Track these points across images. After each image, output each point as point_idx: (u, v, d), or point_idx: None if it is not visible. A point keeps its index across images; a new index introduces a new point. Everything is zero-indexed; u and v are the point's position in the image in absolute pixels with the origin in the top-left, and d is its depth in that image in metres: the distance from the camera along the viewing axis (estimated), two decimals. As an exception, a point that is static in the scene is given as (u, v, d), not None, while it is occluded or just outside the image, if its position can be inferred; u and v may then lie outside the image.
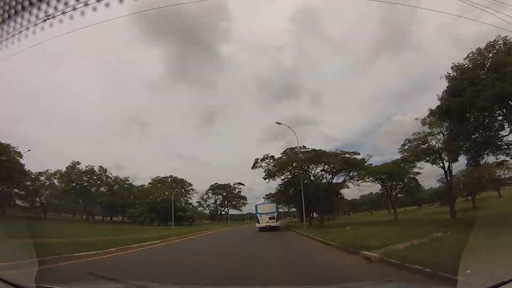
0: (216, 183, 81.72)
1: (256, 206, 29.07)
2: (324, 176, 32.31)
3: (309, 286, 5.37)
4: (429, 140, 22.23)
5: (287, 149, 32.40)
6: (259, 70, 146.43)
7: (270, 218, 26.68)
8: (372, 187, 50.07)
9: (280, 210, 42.22)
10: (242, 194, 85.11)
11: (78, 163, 49.29)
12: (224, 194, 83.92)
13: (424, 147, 23.10)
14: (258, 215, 27.53)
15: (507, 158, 17.15)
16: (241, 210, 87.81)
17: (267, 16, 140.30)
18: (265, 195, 57.94)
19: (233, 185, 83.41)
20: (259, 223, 27.01)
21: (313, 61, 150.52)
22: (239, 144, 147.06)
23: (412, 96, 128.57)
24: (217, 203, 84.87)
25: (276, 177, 31.86)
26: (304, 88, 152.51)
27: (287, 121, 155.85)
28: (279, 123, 28.13)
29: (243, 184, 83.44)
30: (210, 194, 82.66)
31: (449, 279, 3.82)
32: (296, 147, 30.46)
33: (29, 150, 40.44)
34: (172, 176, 66.56)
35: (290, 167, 30.78)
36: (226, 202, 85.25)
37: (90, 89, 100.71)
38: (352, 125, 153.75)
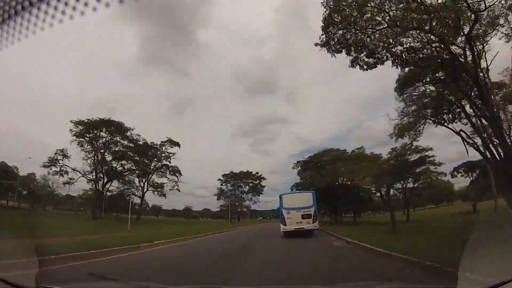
0: (232, 172, 69.78)
1: (280, 197, 17.86)
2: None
3: (309, 286, 5.36)
4: None
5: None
6: (237, 62, 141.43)
7: (304, 216, 16.59)
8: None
9: None
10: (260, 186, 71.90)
11: None
12: (250, 184, 71.45)
13: None
14: (285, 211, 16.91)
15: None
16: (258, 202, 73.99)
17: (252, 3, 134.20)
18: (295, 184, 48.70)
19: (255, 174, 71.04)
20: (285, 224, 16.72)
21: (294, 58, 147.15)
22: (209, 138, 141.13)
23: (384, 103, 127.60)
24: (241, 195, 71.29)
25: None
26: (281, 86, 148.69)
27: (260, 118, 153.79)
28: None
29: (263, 178, 71.00)
30: (226, 185, 69.96)
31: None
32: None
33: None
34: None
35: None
36: (246, 195, 72.40)
37: (53, 68, 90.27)
38: (324, 128, 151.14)
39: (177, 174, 49.38)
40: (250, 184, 72.15)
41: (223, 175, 70.03)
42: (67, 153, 36.17)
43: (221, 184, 69.88)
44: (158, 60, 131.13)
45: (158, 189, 48.11)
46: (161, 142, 46.97)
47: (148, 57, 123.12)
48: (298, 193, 21.92)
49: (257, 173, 72.28)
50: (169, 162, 48.20)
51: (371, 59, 12.59)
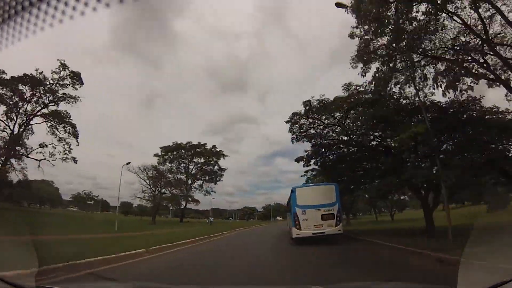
0: (176, 143, 48.08)
1: (293, 191, 13.60)
2: None
3: (309, 286, 5.37)
4: None
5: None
6: (211, 57, 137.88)
7: (324, 217, 12.60)
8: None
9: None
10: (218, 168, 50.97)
11: None
12: (204, 165, 50.37)
13: None
14: (299, 211, 12.90)
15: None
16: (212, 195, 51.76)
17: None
18: (306, 172, 28.13)
19: (212, 149, 49.82)
20: (299, 227, 12.66)
21: (269, 58, 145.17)
22: (179, 134, 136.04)
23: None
24: (186, 180, 47.99)
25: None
26: (253, 85, 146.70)
27: (229, 116, 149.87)
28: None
29: (222, 155, 50.09)
30: (164, 165, 47.19)
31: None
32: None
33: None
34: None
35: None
36: (196, 181, 49.67)
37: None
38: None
39: (71, 133, 30.50)
40: (204, 167, 50.52)
41: (161, 148, 48.04)
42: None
43: (159, 163, 45.69)
44: (130, 49, 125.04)
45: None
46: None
47: (120, 44, 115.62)
48: (316, 186, 15.73)
49: (214, 147, 50.09)
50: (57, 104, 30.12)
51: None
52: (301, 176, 30.10)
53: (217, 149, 51.03)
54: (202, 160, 50.70)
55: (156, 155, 48.20)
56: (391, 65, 13.47)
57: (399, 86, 14.18)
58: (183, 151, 49.65)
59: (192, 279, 5.82)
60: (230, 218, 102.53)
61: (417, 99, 13.09)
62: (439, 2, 11.15)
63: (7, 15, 1.60)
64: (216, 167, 51.63)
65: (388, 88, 14.22)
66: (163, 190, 41.91)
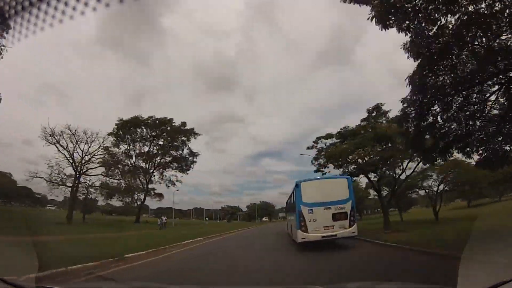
0: (136, 116, 37.70)
1: (298, 186, 11.45)
2: None
3: (309, 286, 5.37)
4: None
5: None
6: (199, 54, 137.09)
7: (336, 217, 10.69)
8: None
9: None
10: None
11: None
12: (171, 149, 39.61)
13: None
14: (305, 209, 10.89)
15: None
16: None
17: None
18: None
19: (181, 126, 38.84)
20: (305, 230, 10.61)
21: (258, 56, 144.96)
22: None
23: (342, 114, 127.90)
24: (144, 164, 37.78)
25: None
26: (241, 84, 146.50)
27: (216, 115, 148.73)
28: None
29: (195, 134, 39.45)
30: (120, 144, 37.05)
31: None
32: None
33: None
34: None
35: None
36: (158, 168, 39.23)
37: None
38: (280, 132, 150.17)
39: None
40: (172, 152, 39.11)
41: (117, 124, 36.68)
42: None
43: (114, 143, 35.31)
44: (118, 44, 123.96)
45: None
46: None
47: (107, 38, 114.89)
48: (326, 179, 13.47)
49: (183, 124, 38.65)
50: None
51: None
52: (312, 164, 21.70)
53: (187, 127, 37.94)
54: (166, 141, 38.09)
55: (110, 133, 35.16)
56: None
57: None
58: (144, 129, 37.93)
59: None
60: (207, 219, 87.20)
61: None
62: None
63: (7, 15, 1.60)
64: (185, 150, 39.69)
65: None
66: (116, 180, 29.99)
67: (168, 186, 41.15)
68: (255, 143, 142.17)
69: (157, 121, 38.48)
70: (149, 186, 39.77)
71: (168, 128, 38.97)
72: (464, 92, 8.75)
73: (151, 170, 39.69)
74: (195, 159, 41.73)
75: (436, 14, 7.10)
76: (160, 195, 43.27)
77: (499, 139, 8.88)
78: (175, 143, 40.22)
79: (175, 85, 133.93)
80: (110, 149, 31.83)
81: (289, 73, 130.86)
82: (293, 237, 12.44)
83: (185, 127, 39.66)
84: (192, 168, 41.87)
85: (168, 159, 40.96)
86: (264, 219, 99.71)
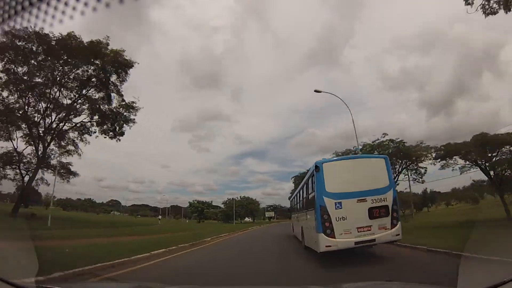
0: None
1: (318, 167, 7.70)
2: None
3: (309, 286, 5.37)
4: None
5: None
6: (186, 50, 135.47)
7: (373, 213, 7.31)
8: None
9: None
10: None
11: None
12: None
13: None
14: (330, 202, 7.29)
15: None
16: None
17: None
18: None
19: None
20: (330, 232, 7.10)
21: (246, 54, 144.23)
22: (149, 130, 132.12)
23: (328, 115, 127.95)
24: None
25: None
26: (228, 81, 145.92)
27: (201, 113, 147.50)
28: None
29: None
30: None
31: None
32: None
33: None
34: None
35: None
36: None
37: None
38: (265, 131, 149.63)
39: None
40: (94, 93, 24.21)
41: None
42: None
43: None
44: (102, 34, 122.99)
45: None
46: None
47: (91, 29, 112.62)
48: (357, 158, 9.93)
49: (116, 52, 22.66)
50: None
51: None
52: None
53: (125, 56, 23.08)
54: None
55: None
56: None
57: None
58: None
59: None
60: (160, 217, 62.69)
61: None
62: None
63: (7, 15, 1.60)
64: (115, 100, 24.70)
65: None
66: None
67: (69, 154, 26.72)
68: (239, 143, 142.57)
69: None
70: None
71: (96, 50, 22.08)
72: None
73: (48, 122, 23.42)
74: (132, 116, 25.41)
75: None
76: (67, 170, 27.40)
77: None
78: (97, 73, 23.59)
79: (160, 80, 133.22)
80: None
81: (276, 72, 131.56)
82: (307, 243, 9.39)
83: (123, 57, 23.33)
84: (129, 128, 25.73)
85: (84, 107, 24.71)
86: (247, 219, 79.80)
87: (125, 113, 25.63)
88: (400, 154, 23.38)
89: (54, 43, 21.37)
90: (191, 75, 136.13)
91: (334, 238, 7.08)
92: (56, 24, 1.58)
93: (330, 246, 7.06)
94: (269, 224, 50.84)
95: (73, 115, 25.51)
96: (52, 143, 25.26)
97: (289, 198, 17.76)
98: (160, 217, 63.14)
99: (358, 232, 7.19)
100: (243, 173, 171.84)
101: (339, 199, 7.36)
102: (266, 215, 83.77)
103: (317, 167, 7.78)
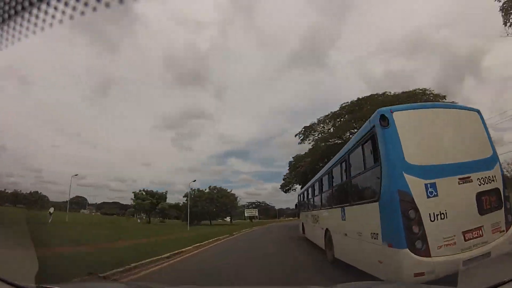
0: None
1: (385, 121, 4.11)
2: None
3: (309, 286, 5.37)
4: None
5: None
6: (171, 45, 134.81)
7: (482, 202, 3.87)
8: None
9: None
10: None
11: None
12: None
13: None
14: (416, 183, 3.76)
15: None
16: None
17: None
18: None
19: None
20: (422, 245, 3.53)
21: (231, 52, 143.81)
22: (131, 127, 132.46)
23: (310, 117, 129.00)
24: None
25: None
26: (212, 80, 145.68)
27: (184, 110, 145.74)
28: None
29: None
30: None
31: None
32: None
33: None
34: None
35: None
36: None
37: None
38: (248, 131, 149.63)
39: None
40: None
41: None
42: None
43: None
44: (84, 27, 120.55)
45: None
46: None
47: (69, 18, 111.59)
48: (440, 108, 4.91)
49: None
50: None
51: None
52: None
53: None
54: None
55: None
56: None
57: None
58: None
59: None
60: (51, 209, 27.89)
61: None
62: None
63: (7, 15, 1.60)
64: None
65: None
66: None
67: None
68: (222, 142, 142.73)
69: None
70: None
71: None
72: None
73: None
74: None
75: None
76: None
77: None
78: None
79: (143, 75, 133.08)
80: None
81: (261, 72, 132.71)
82: (347, 258, 5.81)
83: None
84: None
85: None
86: (227, 219, 57.14)
87: None
88: None
89: None
90: (175, 72, 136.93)
91: (429, 256, 3.63)
92: (56, 24, 1.58)
93: (423, 274, 3.54)
94: (251, 228, 30.80)
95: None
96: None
97: (302, 191, 14.62)
98: (52, 209, 28.94)
99: (465, 240, 3.80)
100: (226, 172, 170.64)
101: (431, 179, 3.93)
102: (245, 214, 66.23)
103: (384, 118, 4.24)
